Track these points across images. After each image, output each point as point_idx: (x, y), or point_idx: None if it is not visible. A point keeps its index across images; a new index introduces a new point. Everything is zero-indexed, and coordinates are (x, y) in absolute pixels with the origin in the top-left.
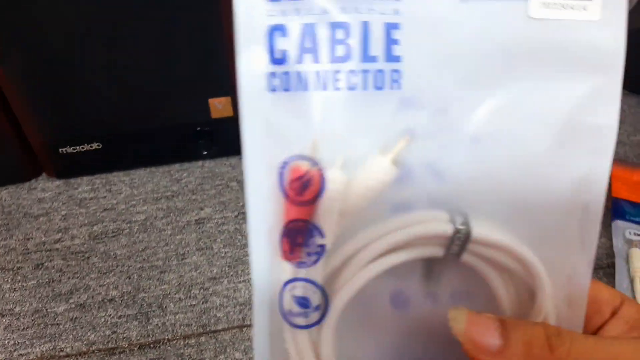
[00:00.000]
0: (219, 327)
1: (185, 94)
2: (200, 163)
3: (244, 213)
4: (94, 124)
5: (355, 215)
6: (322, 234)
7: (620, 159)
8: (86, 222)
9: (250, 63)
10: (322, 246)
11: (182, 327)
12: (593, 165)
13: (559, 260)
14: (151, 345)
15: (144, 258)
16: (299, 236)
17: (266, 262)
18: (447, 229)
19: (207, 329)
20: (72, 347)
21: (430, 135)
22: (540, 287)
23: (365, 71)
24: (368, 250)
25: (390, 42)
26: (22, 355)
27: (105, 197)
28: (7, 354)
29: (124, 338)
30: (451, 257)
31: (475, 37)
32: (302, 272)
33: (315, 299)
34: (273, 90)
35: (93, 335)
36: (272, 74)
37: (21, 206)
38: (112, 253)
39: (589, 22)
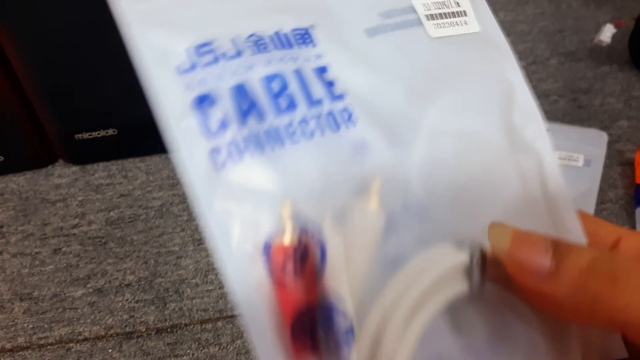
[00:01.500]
0: (236, 312)
1: None
2: None
3: None
4: (109, 110)
5: (362, 280)
6: (345, 313)
7: None
8: (103, 207)
9: (185, 149)
10: (350, 329)
11: (199, 312)
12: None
13: None
14: (168, 330)
15: (161, 243)
16: (320, 328)
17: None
18: (463, 256)
19: (224, 314)
20: (90, 331)
21: (393, 172)
22: None
23: (317, 117)
24: (399, 310)
25: (327, 83)
26: (41, 338)
27: (121, 183)
28: (26, 337)
29: (141, 322)
30: (475, 290)
31: (394, 66)
32: None
33: None
34: (221, 168)
35: (111, 320)
36: (215, 151)
37: (38, 192)
38: (128, 238)
39: (475, 34)
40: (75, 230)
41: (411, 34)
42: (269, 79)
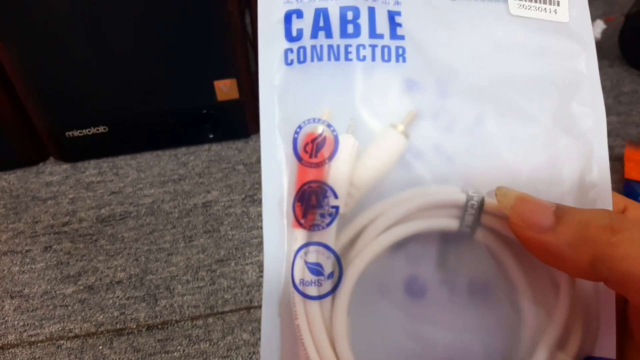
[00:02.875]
0: (227, 309)
1: (190, 76)
2: (206, 146)
3: (250, 196)
4: (99, 107)
5: (369, 188)
6: (335, 195)
7: (632, 141)
8: (94, 205)
9: (269, 43)
10: (335, 207)
11: (189, 308)
12: (587, 143)
13: None
14: (159, 327)
15: (152, 240)
16: (312, 197)
17: (278, 234)
18: (460, 197)
19: (215, 311)
20: (80, 328)
21: (436, 117)
22: None
23: (373, 46)
24: (381, 219)
25: (394, 24)
26: (31, 335)
27: (112, 180)
28: (17, 334)
29: (132, 319)
30: (465, 232)
31: (465, 28)
32: (316, 236)
33: (328, 265)
34: (289, 64)
35: (101, 317)
36: (289, 50)
37: (29, 190)
38: (119, 236)
39: (561, 23)
40: (66, 228)
41: (493, 6)
42: (346, 8)
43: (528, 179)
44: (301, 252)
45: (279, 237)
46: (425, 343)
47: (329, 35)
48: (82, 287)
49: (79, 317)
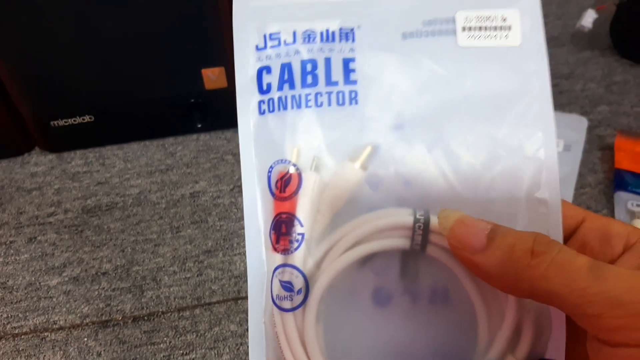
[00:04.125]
0: (214, 300)
1: (178, 64)
2: (195, 136)
3: (239, 186)
4: (84, 96)
5: (332, 214)
6: (301, 224)
7: (623, 130)
8: (79, 195)
9: (246, 96)
10: (301, 234)
11: (176, 299)
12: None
13: None
14: (145, 318)
15: (138, 231)
16: (283, 226)
17: (260, 255)
18: (408, 219)
19: (202, 302)
20: (65, 320)
21: (392, 147)
22: None
23: (329, 92)
24: (342, 241)
25: (348, 70)
26: (15, 327)
27: (98, 170)
28: (0, 326)
29: (117, 311)
30: (418, 250)
31: (416, 66)
32: (287, 259)
33: (297, 282)
34: (262, 113)
35: (86, 308)
36: (261, 102)
37: (14, 180)
38: (105, 227)
39: (513, 47)
40: (51, 219)
41: (441, 41)
42: (306, 61)
43: (477, 197)
44: (277, 272)
45: (260, 260)
46: (390, 346)
47: (292, 86)
48: (67, 279)
49: (64, 309)
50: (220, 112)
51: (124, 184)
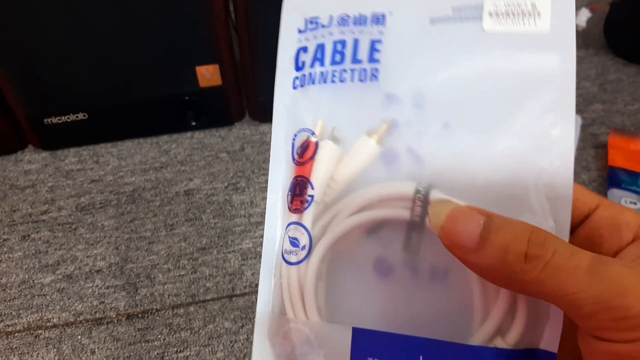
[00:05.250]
0: (208, 297)
1: (172, 61)
2: (189, 134)
3: (233, 184)
4: (78, 94)
5: (346, 185)
6: (312, 187)
7: (617, 128)
8: (73, 193)
9: (284, 72)
10: (311, 196)
11: (170, 297)
12: (553, 153)
13: None
14: (139, 315)
15: (132, 229)
16: (297, 188)
17: (276, 212)
18: (409, 190)
19: (196, 299)
20: (59, 318)
21: (410, 125)
22: None
23: (352, 70)
24: (347, 207)
25: (373, 50)
26: (8, 325)
27: (92, 168)
28: None
29: (111, 308)
30: (417, 221)
31: (440, 49)
32: (297, 217)
33: (303, 239)
34: (295, 88)
35: (80, 306)
36: (296, 78)
37: (7, 178)
38: (99, 224)
39: (542, 34)
40: (44, 217)
41: (468, 26)
42: (336, 42)
43: (488, 179)
44: (288, 228)
45: (276, 216)
46: (388, 314)
47: (322, 64)
48: (60, 276)
49: (58, 307)
50: (214, 110)
51: (118, 182)
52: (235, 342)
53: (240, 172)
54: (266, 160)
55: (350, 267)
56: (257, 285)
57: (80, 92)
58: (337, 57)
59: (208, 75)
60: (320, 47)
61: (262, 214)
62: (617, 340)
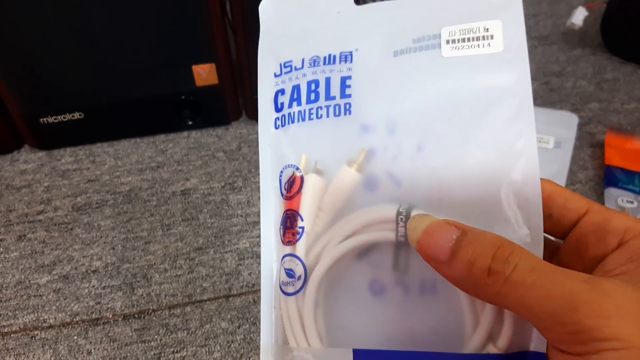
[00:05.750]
0: (205, 297)
1: (168, 60)
2: (185, 133)
3: (230, 184)
4: (75, 93)
5: (333, 213)
6: (301, 218)
7: (613, 127)
8: (69, 193)
9: (265, 114)
10: (302, 228)
11: (167, 297)
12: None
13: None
14: (136, 316)
15: (129, 229)
16: (288, 221)
17: (271, 246)
18: (391, 213)
19: (193, 299)
20: (55, 318)
21: (385, 150)
22: None
23: (327, 106)
24: (335, 235)
25: (344, 87)
26: (4, 326)
27: (88, 168)
28: None
29: (108, 309)
30: (403, 241)
31: (405, 78)
32: (291, 249)
33: (298, 270)
34: (277, 128)
35: (77, 306)
36: (277, 118)
37: (3, 178)
38: (96, 224)
39: (495, 53)
40: (40, 217)
41: (427, 54)
42: (310, 82)
43: (463, 194)
44: (284, 261)
45: (271, 250)
46: (385, 332)
47: (299, 104)
48: (56, 277)
49: (54, 307)
50: (211, 109)
51: (115, 182)
52: (232, 342)
53: (237, 172)
54: None
55: (345, 291)
56: (254, 285)
57: (76, 91)
58: (312, 96)
59: (204, 74)
60: (296, 88)
61: (259, 214)
62: (572, 353)
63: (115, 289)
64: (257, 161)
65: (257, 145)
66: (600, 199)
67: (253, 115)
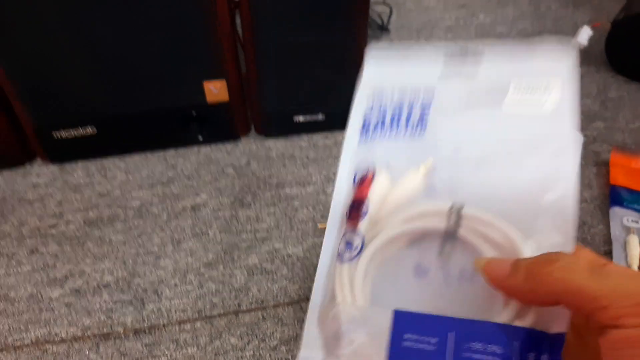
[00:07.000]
0: (215, 313)
1: (180, 76)
2: (196, 148)
3: (240, 199)
4: (87, 108)
5: (394, 207)
6: (368, 206)
7: (618, 146)
8: (81, 207)
9: (353, 126)
10: (366, 212)
11: (177, 312)
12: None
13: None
14: (146, 331)
15: (140, 244)
16: (357, 206)
17: (336, 226)
18: (445, 206)
19: (203, 315)
20: (66, 332)
21: (449, 165)
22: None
23: (406, 128)
24: (393, 220)
25: (423, 118)
26: (16, 340)
27: (100, 182)
28: (1, 338)
29: (119, 323)
30: (452, 231)
31: (472, 121)
32: (354, 227)
33: (356, 241)
34: (361, 142)
35: (88, 321)
36: (362, 133)
37: (16, 191)
38: (107, 239)
39: (547, 111)
40: (52, 231)
41: (491, 109)
42: (395, 107)
43: (509, 204)
44: (345, 235)
45: (335, 229)
46: (421, 302)
47: (382, 126)
48: (68, 291)
49: (65, 321)
50: (221, 125)
51: (126, 196)
52: (241, 358)
53: (246, 187)
54: (272, 176)
55: (392, 269)
56: (263, 301)
57: (89, 106)
58: (394, 121)
59: (215, 90)
60: (383, 112)
61: (268, 230)
62: (628, 325)
63: (126, 303)
64: (265, 177)
65: (266, 161)
66: (606, 218)
67: (262, 131)
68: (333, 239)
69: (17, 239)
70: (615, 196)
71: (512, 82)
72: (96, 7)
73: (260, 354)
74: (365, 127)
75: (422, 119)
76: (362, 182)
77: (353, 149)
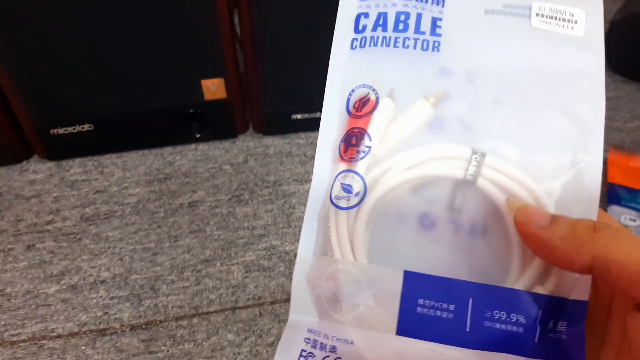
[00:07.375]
0: (212, 309)
1: (178, 74)
2: (193, 146)
3: (237, 196)
4: (85, 105)
5: (398, 140)
6: (370, 138)
7: (616, 145)
8: (78, 204)
9: (342, 34)
10: (369, 147)
11: (174, 308)
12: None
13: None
14: (143, 327)
15: (136, 240)
16: (354, 139)
17: (326, 162)
18: (467, 151)
19: (200, 311)
20: (63, 328)
21: (461, 97)
22: None
23: (415, 38)
24: (401, 162)
25: (435, 25)
26: (13, 335)
27: (97, 179)
28: None
29: (115, 319)
30: (470, 180)
31: (493, 36)
32: (351, 166)
33: (356, 186)
34: (353, 48)
35: (84, 317)
36: (355, 39)
37: (12, 188)
38: (104, 235)
39: (576, 37)
40: (49, 227)
41: (517, 21)
42: (400, 13)
43: (532, 151)
44: (340, 176)
45: (325, 166)
46: (428, 263)
47: (384, 29)
48: (65, 287)
49: (62, 317)
50: (219, 123)
51: (123, 193)
52: (238, 354)
53: (243, 185)
54: (269, 173)
55: (395, 219)
56: (259, 297)
57: (86, 103)
58: (400, 26)
59: (213, 88)
60: (383, 15)
61: (265, 227)
62: None
63: (123, 299)
64: (263, 175)
65: (264, 158)
66: None
67: (259, 129)
68: (323, 176)
69: (14, 235)
70: (613, 195)
71: (533, 2)
72: (94, 6)
73: (257, 350)
74: (358, 29)
75: (434, 30)
76: (362, 108)
77: (346, 56)
